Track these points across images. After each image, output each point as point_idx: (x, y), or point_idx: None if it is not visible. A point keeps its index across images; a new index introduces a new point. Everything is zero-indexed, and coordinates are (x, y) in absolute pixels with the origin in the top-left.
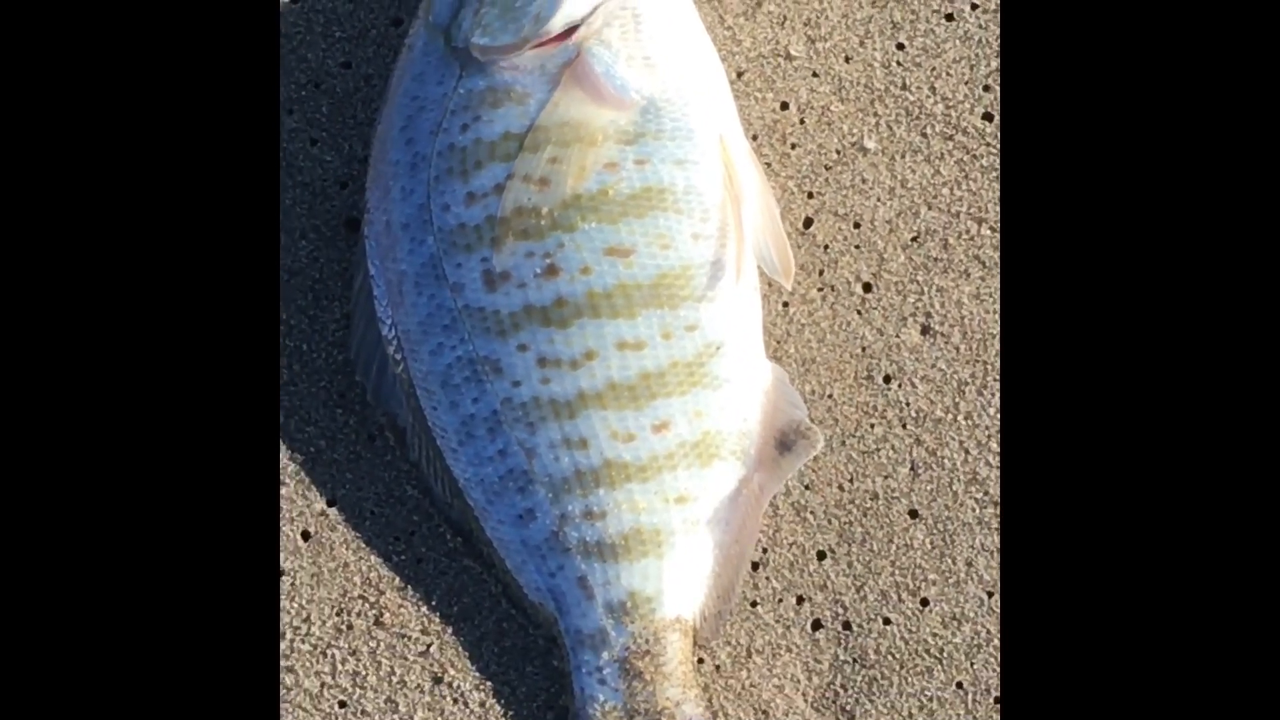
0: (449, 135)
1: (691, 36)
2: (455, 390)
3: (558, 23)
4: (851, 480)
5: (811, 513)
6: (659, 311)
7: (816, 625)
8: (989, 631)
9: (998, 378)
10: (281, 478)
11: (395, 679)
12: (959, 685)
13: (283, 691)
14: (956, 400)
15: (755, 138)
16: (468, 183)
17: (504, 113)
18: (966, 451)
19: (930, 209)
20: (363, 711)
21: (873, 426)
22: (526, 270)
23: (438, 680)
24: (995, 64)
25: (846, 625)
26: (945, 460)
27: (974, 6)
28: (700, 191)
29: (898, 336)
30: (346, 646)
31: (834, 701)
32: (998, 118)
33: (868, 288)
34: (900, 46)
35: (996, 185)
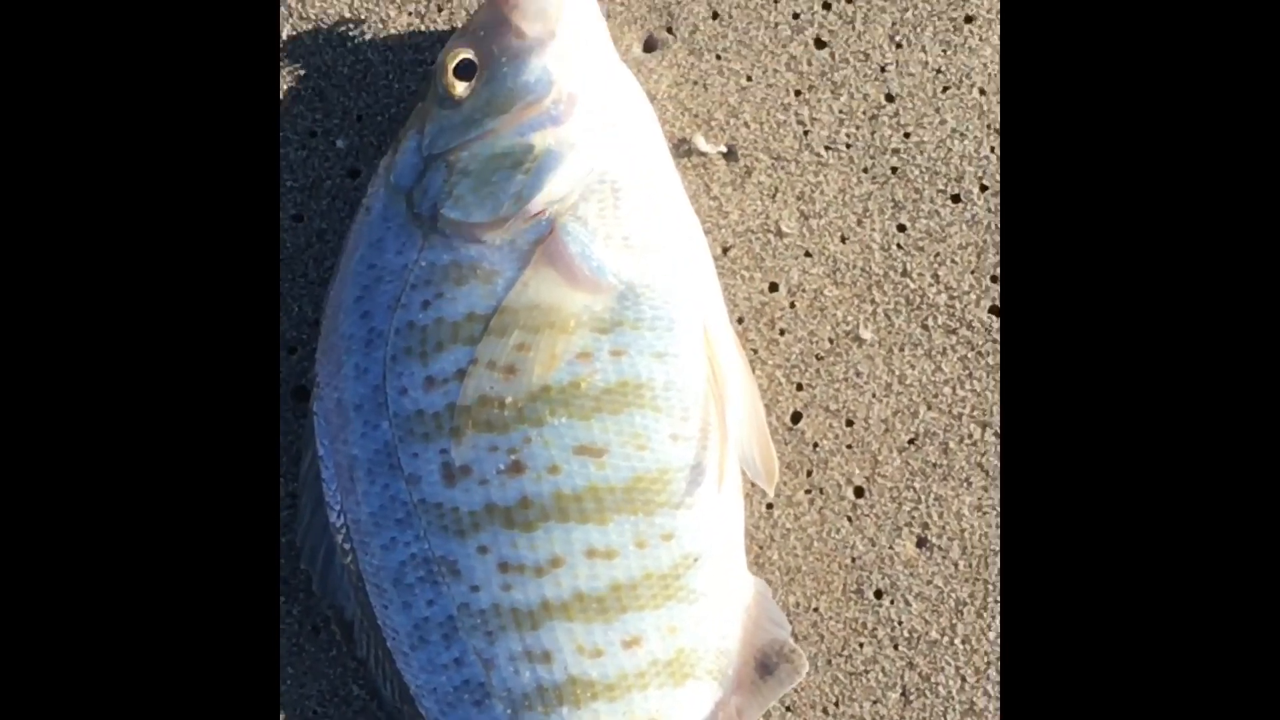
0: (408, 311)
1: (675, 212)
2: (408, 590)
3: (539, 202)
4: (837, 704)
5: None
6: (633, 518)
7: None
8: None
9: (998, 599)
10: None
11: None
12: None
13: None
14: (954, 621)
15: (741, 320)
16: (427, 365)
17: (469, 291)
18: (963, 679)
19: (930, 409)
20: None
21: (862, 646)
22: (489, 465)
23: None
24: None
25: None
26: (940, 687)
27: (983, 188)
28: (680, 388)
29: (891, 548)
30: None
31: None
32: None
33: (860, 492)
34: (901, 228)
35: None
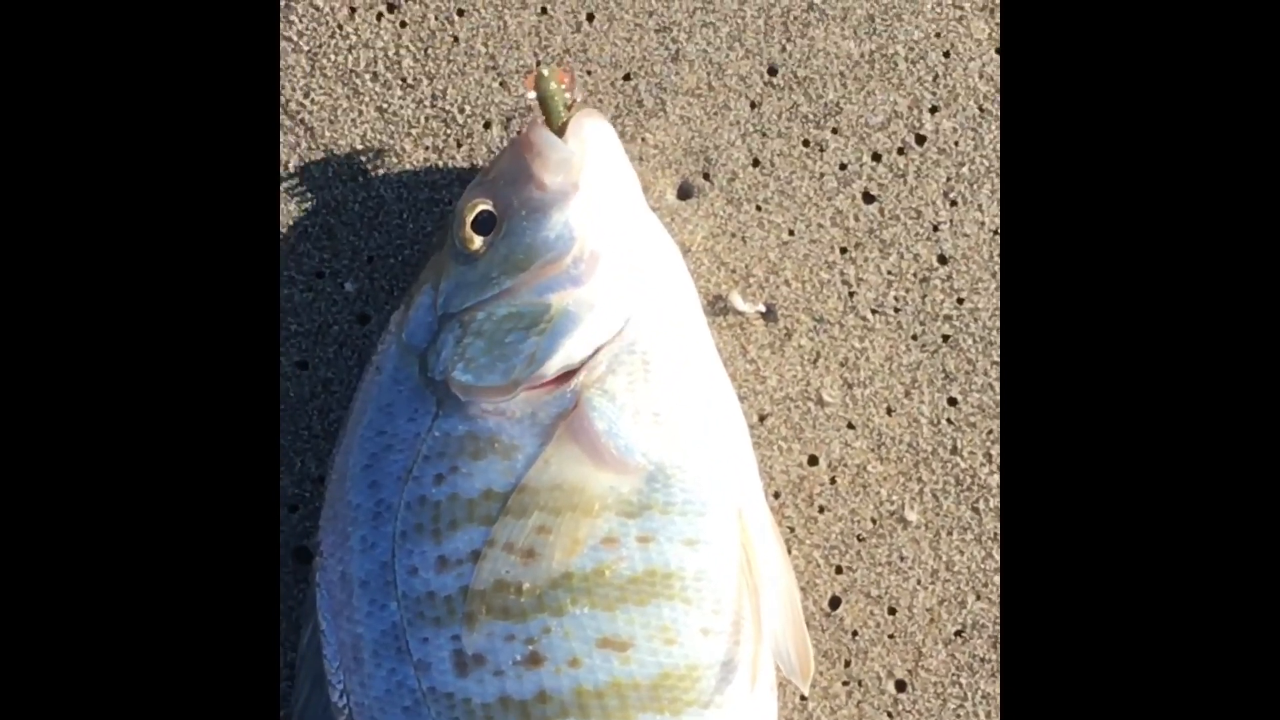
0: (420, 485)
1: (709, 382)
2: None
3: (554, 366)
4: None
5: None
6: (658, 717)
7: None
8: None
9: None
10: None
11: None
12: None
13: None
14: None
15: (777, 495)
16: (440, 545)
17: (486, 465)
18: None
19: (979, 599)
20: None
21: None
22: (505, 655)
23: None
24: None
25: None
26: None
27: None
28: (712, 578)
29: None
30: None
31: None
32: None
33: (901, 686)
34: (953, 401)
35: None
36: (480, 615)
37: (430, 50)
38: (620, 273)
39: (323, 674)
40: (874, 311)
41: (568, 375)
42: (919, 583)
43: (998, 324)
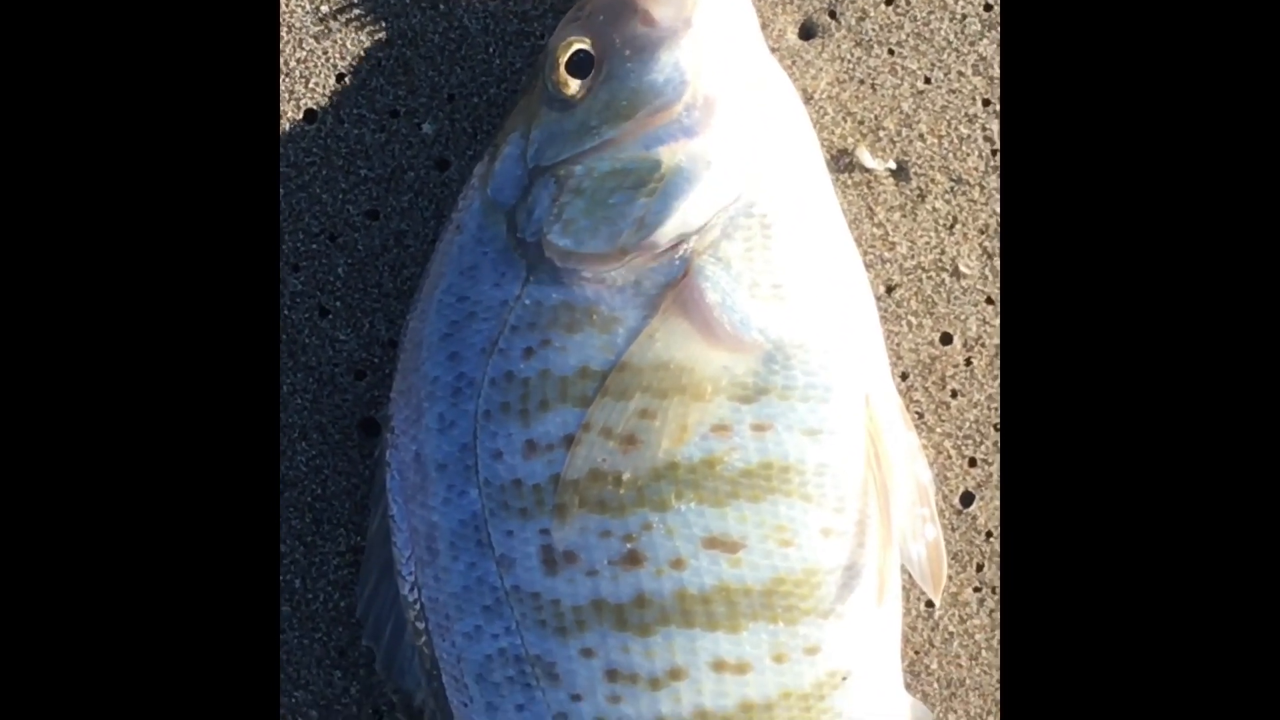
0: (507, 359)
1: (834, 250)
2: (494, 690)
3: (668, 233)
4: None
5: None
6: (771, 626)
7: None
8: None
9: None
10: None
11: None
12: None
13: None
14: None
15: (904, 377)
16: (528, 427)
17: (582, 339)
18: None
19: None
20: None
21: None
22: (599, 554)
23: None
24: None
25: None
26: None
27: None
28: (836, 472)
29: None
30: None
31: None
32: None
33: None
34: None
35: None
36: (573, 508)
37: None
38: (739, 122)
39: (391, 564)
40: None
41: (678, 242)
42: None
43: None
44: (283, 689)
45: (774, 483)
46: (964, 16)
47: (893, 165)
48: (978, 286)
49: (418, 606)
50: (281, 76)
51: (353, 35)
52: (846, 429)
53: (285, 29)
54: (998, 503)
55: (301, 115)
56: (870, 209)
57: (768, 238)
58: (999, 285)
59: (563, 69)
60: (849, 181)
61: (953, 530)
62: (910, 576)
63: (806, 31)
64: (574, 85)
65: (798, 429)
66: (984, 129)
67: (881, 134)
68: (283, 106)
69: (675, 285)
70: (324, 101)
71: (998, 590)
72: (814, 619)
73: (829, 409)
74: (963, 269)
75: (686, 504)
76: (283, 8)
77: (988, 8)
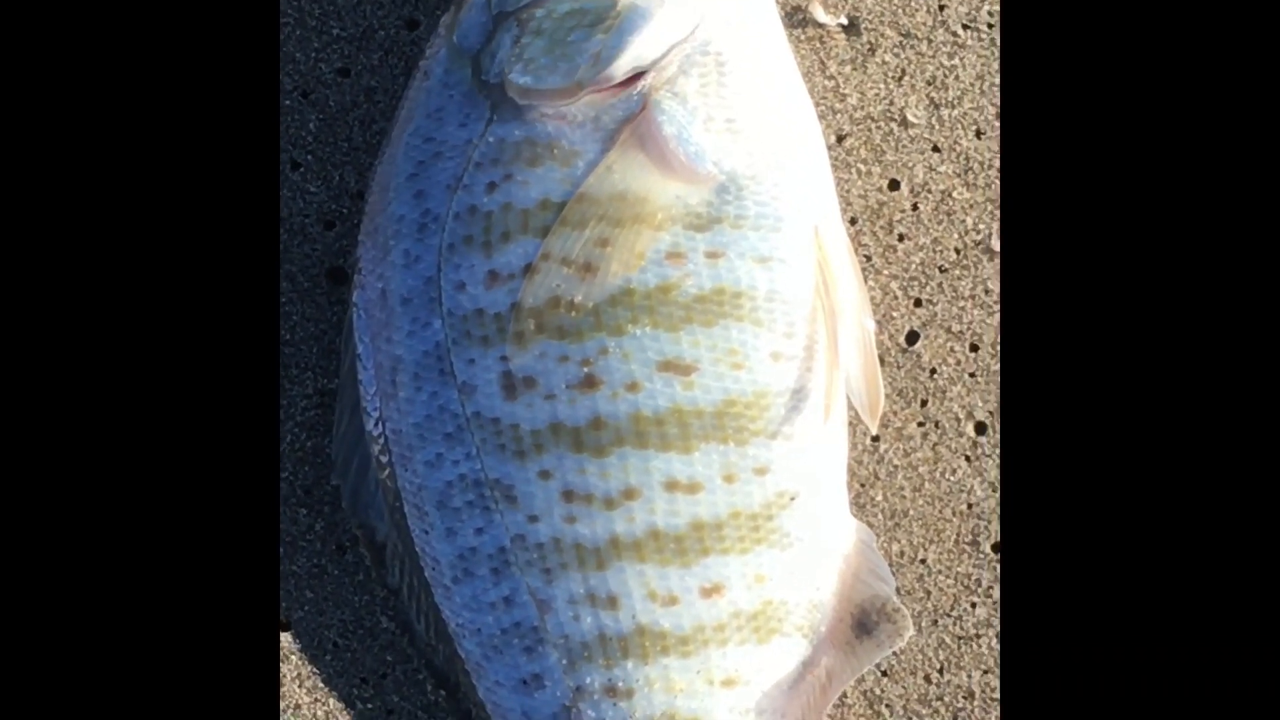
0: (470, 194)
1: (787, 91)
2: (454, 515)
3: (622, 66)
4: (941, 671)
5: (888, 706)
6: (722, 447)
7: None
8: None
9: None
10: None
11: None
12: None
13: None
14: None
15: (854, 222)
16: (490, 258)
17: (543, 173)
18: None
19: None
20: None
21: (974, 606)
22: (557, 378)
23: None
24: None
25: None
26: None
27: None
28: (786, 298)
29: None
30: None
31: None
32: None
33: (981, 429)
34: None
35: None
36: (532, 334)
37: None
38: None
39: (359, 402)
40: (965, 27)
41: (635, 78)
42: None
43: None
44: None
45: (726, 308)
46: None
47: (844, 21)
48: (924, 135)
49: (382, 440)
50: None
51: None
52: (796, 258)
53: None
54: (943, 341)
55: None
56: (822, 63)
57: (722, 75)
58: (944, 136)
59: None
60: (802, 37)
61: (898, 368)
62: (855, 413)
63: None
64: None
65: (749, 256)
66: None
67: None
68: None
69: (633, 120)
70: None
71: (940, 425)
72: (763, 440)
73: (779, 238)
74: (910, 118)
75: (641, 329)
76: None
77: None
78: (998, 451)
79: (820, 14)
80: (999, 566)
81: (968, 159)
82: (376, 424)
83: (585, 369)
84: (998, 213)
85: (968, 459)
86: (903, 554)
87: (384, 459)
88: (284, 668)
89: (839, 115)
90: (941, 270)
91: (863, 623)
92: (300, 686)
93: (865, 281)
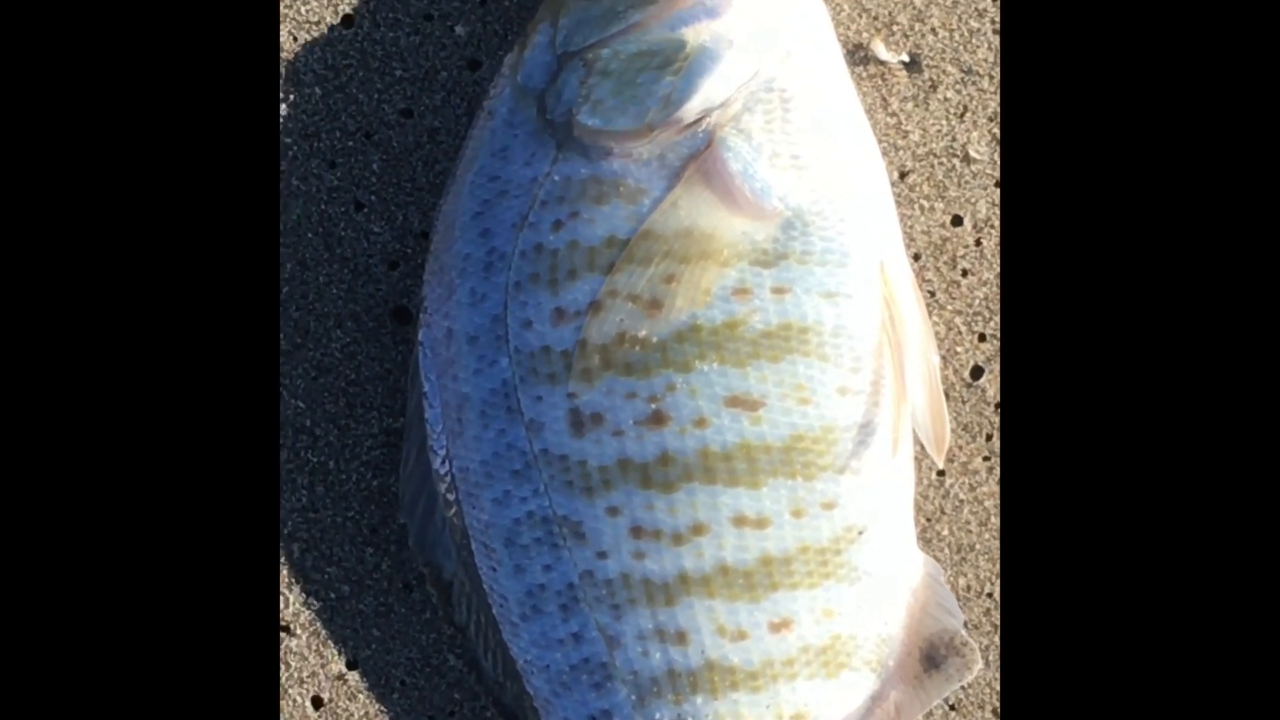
0: (537, 232)
1: (850, 127)
2: (522, 552)
3: (693, 108)
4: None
5: None
6: (790, 482)
7: None
8: None
9: None
10: (291, 626)
11: None
12: None
13: None
14: None
15: (917, 258)
16: (557, 295)
17: (609, 211)
18: None
19: None
20: None
21: None
22: (625, 415)
23: None
24: None
25: None
26: None
27: None
28: (852, 334)
29: None
30: None
31: None
32: None
33: None
34: None
35: None
36: (600, 371)
37: None
38: (760, 5)
39: (426, 440)
40: None
41: (701, 116)
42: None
43: None
44: (315, 566)
45: (793, 343)
46: None
47: (906, 58)
48: (987, 171)
49: (449, 479)
50: None
51: None
52: (862, 293)
53: None
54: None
55: (339, 20)
56: (885, 99)
57: (787, 111)
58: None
59: None
60: (864, 74)
61: (963, 403)
62: (921, 447)
63: None
64: None
65: (815, 292)
66: (993, 22)
67: (895, 28)
68: (322, 13)
69: (698, 156)
70: (361, 6)
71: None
72: (831, 474)
73: (845, 273)
74: (972, 154)
75: (709, 364)
76: None
77: None
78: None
79: (882, 51)
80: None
81: None
82: (443, 462)
83: (653, 405)
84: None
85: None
86: (969, 588)
87: (451, 497)
88: (351, 706)
89: (901, 152)
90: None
91: (931, 657)
92: None
93: (930, 316)
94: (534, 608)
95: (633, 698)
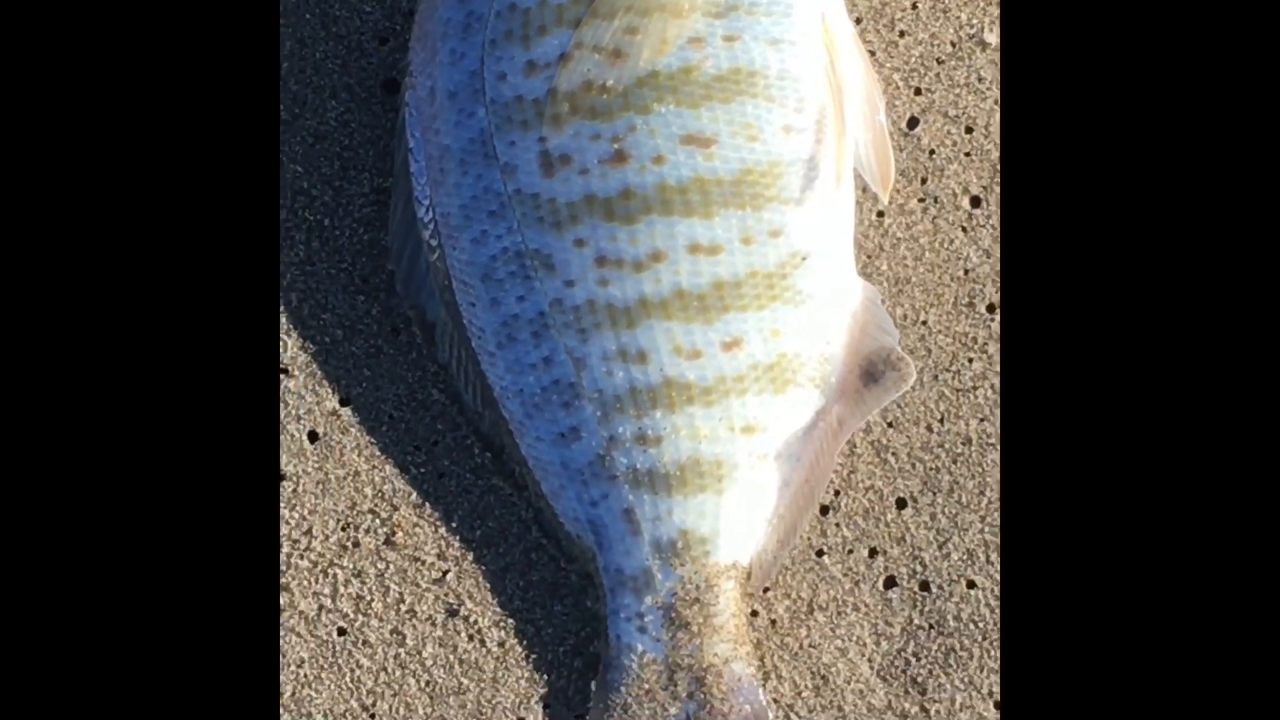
0: None
1: None
2: (498, 286)
3: None
4: (942, 421)
5: (894, 454)
6: (739, 212)
7: (890, 583)
8: None
9: None
10: (290, 369)
11: (404, 607)
12: None
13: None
14: None
15: (859, 21)
16: (529, 49)
17: None
18: None
19: None
20: (364, 641)
21: (971, 361)
22: (590, 155)
23: (452, 612)
24: None
25: (924, 585)
26: None
27: None
28: (796, 77)
29: None
30: (351, 566)
31: (903, 671)
32: None
33: (976, 202)
34: None
35: None
36: (567, 116)
37: None
38: None
39: (412, 193)
40: None
41: None
42: (996, 103)
43: None
44: (311, 313)
45: (741, 85)
46: None
47: None
48: None
49: (432, 225)
50: None
51: None
52: (806, 41)
53: None
54: (941, 125)
55: None
56: None
57: None
58: None
59: None
60: None
61: (900, 150)
62: (863, 190)
63: None
64: None
65: (762, 39)
66: None
67: None
68: None
69: None
70: None
71: (939, 199)
72: (777, 205)
73: (790, 22)
74: None
75: (666, 107)
76: None
77: None
78: (991, 222)
79: None
80: (994, 325)
81: None
82: (427, 210)
83: (615, 145)
84: (991, 8)
85: (964, 230)
86: (905, 316)
87: (434, 242)
88: (344, 439)
89: None
90: (939, 62)
91: (870, 372)
92: (359, 455)
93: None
94: (508, 336)
95: (598, 414)
